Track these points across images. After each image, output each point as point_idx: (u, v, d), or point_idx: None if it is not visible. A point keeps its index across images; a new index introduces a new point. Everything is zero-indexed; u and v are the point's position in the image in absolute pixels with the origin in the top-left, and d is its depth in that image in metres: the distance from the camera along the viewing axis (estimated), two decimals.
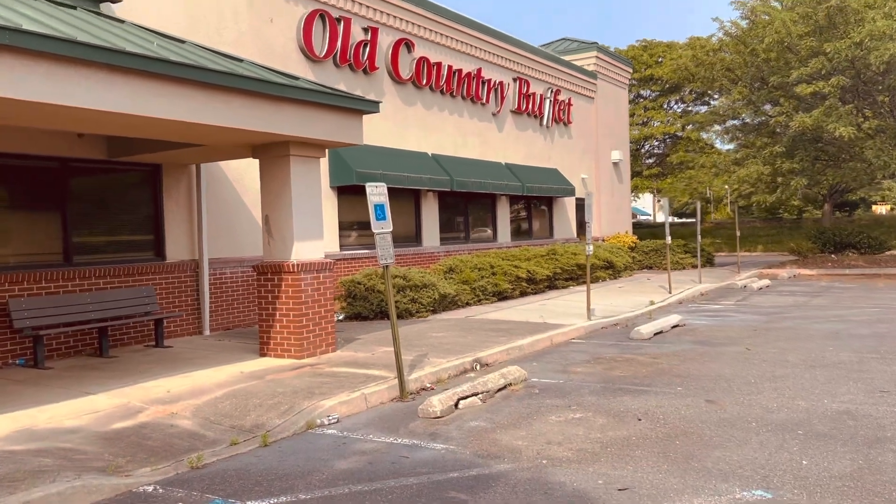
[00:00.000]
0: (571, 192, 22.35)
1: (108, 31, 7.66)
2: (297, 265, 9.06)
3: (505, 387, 7.64)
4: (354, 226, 14.95)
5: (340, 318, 12.70)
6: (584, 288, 17.61)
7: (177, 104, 7.16)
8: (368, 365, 8.54)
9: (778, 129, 23.65)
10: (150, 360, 9.18)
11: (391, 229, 7.59)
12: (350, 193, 14.49)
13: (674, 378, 7.98)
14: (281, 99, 8.30)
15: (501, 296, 15.36)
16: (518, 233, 20.98)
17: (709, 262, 24.85)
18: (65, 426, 6.26)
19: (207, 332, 11.39)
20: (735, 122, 25.76)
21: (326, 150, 9.70)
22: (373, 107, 9.61)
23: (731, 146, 37.77)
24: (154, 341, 10.33)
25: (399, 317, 12.68)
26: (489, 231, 19.76)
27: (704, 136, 43.82)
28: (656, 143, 45.26)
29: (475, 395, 7.15)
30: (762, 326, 11.72)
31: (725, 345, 10.06)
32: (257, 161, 12.20)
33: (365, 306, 12.66)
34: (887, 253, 25.03)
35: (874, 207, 69.63)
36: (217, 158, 10.50)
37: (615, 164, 26.96)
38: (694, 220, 62.54)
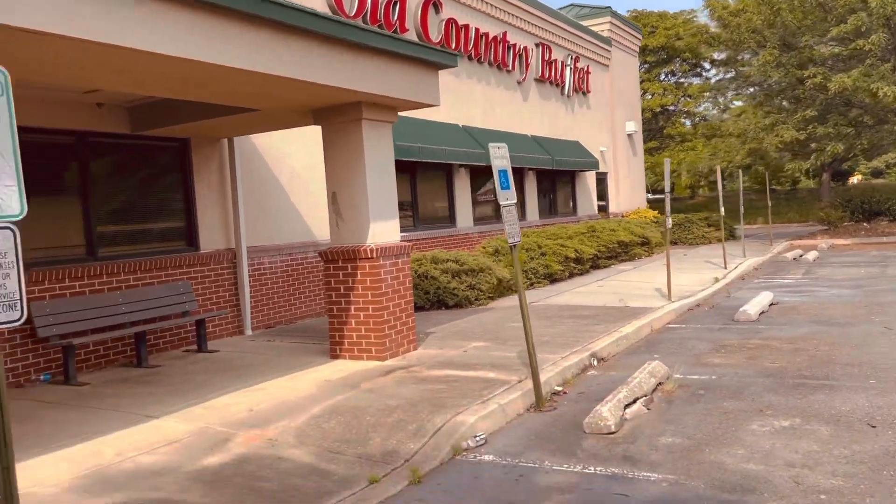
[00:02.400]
0: (595, 165, 21.07)
1: None
2: (376, 249, 7.61)
3: (655, 387, 6.34)
4: None
5: None
6: (628, 266, 16.50)
7: (257, 50, 5.67)
8: (471, 366, 7.16)
9: (803, 95, 22.56)
10: (202, 370, 7.69)
11: (516, 200, 6.20)
12: None
13: (848, 367, 6.73)
14: (360, 48, 6.81)
15: (552, 278, 14.04)
16: (543, 210, 19.64)
17: (731, 235, 23.80)
18: (143, 465, 4.80)
19: (249, 332, 9.89)
20: (755, 88, 24.60)
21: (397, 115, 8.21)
22: (451, 60, 8.15)
23: (726, 116, 36.74)
24: (196, 345, 8.82)
25: (458, 305, 11.31)
26: (519, 208, 18.40)
27: (700, 108, 42.91)
28: (650, 117, 44.19)
29: (635, 400, 5.83)
30: (868, 301, 10.56)
31: (854, 324, 8.86)
32: (289, 133, 10.81)
33: (419, 296, 11.23)
34: None
35: (850, 178, 69.18)
36: (266, 128, 8.97)
37: (629, 135, 25.74)
38: (674, 195, 61.66)
